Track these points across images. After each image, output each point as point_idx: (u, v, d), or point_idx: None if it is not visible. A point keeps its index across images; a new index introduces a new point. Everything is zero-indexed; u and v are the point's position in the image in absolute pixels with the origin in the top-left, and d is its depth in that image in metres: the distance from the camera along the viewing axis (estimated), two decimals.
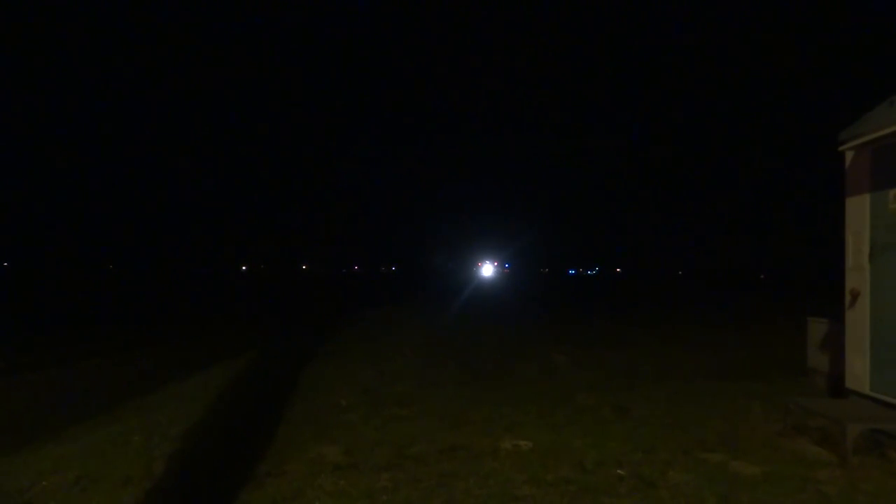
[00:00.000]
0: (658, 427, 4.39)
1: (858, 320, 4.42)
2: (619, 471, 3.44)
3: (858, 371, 4.40)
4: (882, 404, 4.09)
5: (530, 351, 8.56)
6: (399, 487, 3.22)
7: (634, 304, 22.07)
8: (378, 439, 4.11)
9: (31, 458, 3.77)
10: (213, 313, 17.74)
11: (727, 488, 3.16)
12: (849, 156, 4.58)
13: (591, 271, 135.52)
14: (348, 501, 3.07)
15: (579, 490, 3.17)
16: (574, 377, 6.54)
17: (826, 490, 3.15)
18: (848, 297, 4.53)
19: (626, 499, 3.07)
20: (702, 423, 4.49)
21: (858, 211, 4.45)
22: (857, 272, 4.44)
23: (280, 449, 3.95)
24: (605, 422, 4.58)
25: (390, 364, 7.35)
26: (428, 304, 19.96)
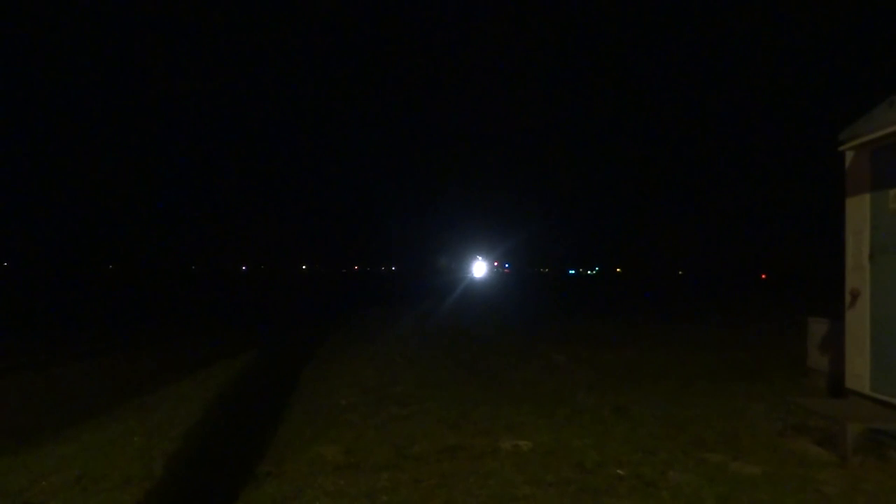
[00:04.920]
0: (658, 427, 4.38)
1: (858, 320, 4.42)
2: (619, 471, 3.44)
3: (858, 371, 4.39)
4: (882, 404, 4.09)
5: (530, 351, 8.56)
6: (399, 487, 3.22)
7: (634, 303, 22.06)
8: (378, 439, 4.11)
9: (31, 458, 3.77)
10: (213, 313, 17.74)
11: (727, 488, 3.16)
12: (849, 156, 4.58)
13: (592, 271, 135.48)
14: (348, 501, 3.07)
15: (579, 490, 3.16)
16: (574, 377, 6.53)
17: (826, 490, 3.15)
18: (848, 297, 4.52)
19: (626, 499, 3.07)
20: (702, 423, 4.48)
21: (858, 211, 4.45)
22: (857, 272, 4.44)
23: (280, 449, 3.95)
24: (605, 422, 4.57)
25: (390, 364, 7.35)
26: (428, 304, 19.95)
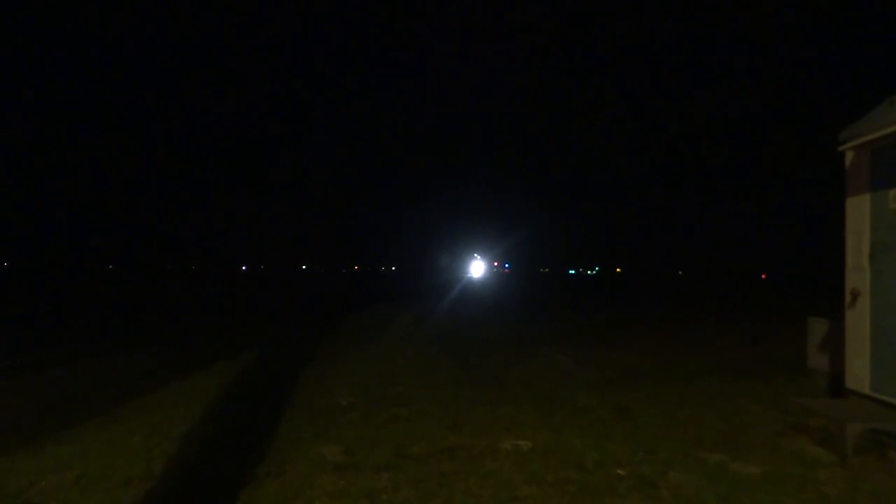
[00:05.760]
0: (658, 427, 4.38)
1: (858, 320, 4.42)
2: (619, 471, 3.44)
3: (858, 371, 4.39)
4: (882, 404, 4.09)
5: (530, 351, 8.56)
6: (399, 487, 3.22)
7: (634, 304, 22.07)
8: (378, 439, 4.11)
9: (31, 458, 3.77)
10: (213, 313, 17.74)
11: (727, 488, 3.16)
12: (849, 156, 4.57)
13: (592, 271, 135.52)
14: (348, 501, 3.07)
15: (579, 490, 3.16)
16: (574, 377, 6.53)
17: (826, 490, 3.15)
18: (848, 297, 4.52)
19: (626, 499, 3.07)
20: (702, 423, 4.48)
21: (858, 211, 4.45)
22: (857, 272, 4.44)
23: (280, 449, 3.95)
24: (605, 422, 4.57)
25: (390, 364, 7.35)
26: (427, 304, 19.95)
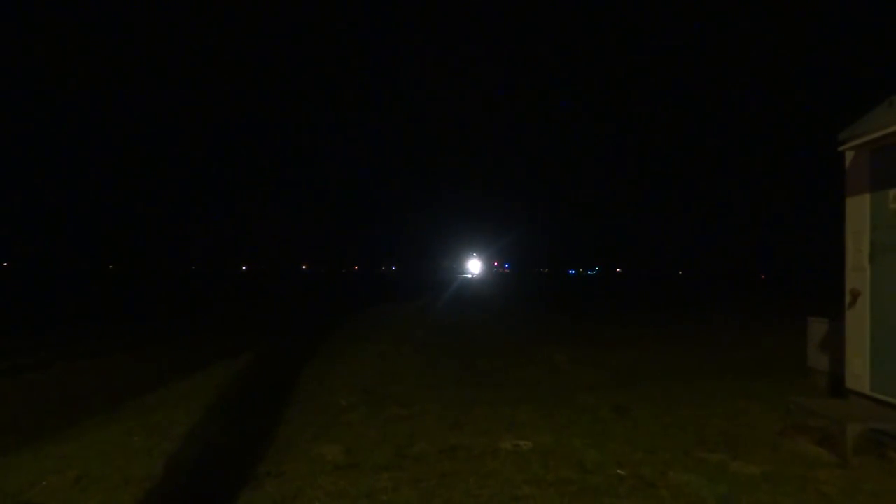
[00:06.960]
0: (658, 427, 4.38)
1: (858, 320, 4.42)
2: (619, 471, 3.44)
3: (858, 371, 4.39)
4: (882, 404, 4.09)
5: (530, 351, 8.56)
6: (399, 487, 3.22)
7: (634, 303, 22.07)
8: (378, 439, 4.11)
9: (32, 458, 3.77)
10: (213, 313, 17.74)
11: (727, 488, 3.16)
12: (849, 156, 4.57)
13: (592, 271, 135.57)
14: (348, 501, 3.07)
15: (579, 490, 3.16)
16: (574, 377, 6.53)
17: (826, 490, 3.15)
18: (848, 298, 4.52)
19: (626, 499, 3.07)
20: (702, 423, 4.48)
21: (858, 211, 4.45)
22: (857, 272, 4.44)
23: (280, 449, 3.94)
24: (605, 422, 4.57)
25: (390, 364, 7.35)
26: (427, 304, 19.95)
